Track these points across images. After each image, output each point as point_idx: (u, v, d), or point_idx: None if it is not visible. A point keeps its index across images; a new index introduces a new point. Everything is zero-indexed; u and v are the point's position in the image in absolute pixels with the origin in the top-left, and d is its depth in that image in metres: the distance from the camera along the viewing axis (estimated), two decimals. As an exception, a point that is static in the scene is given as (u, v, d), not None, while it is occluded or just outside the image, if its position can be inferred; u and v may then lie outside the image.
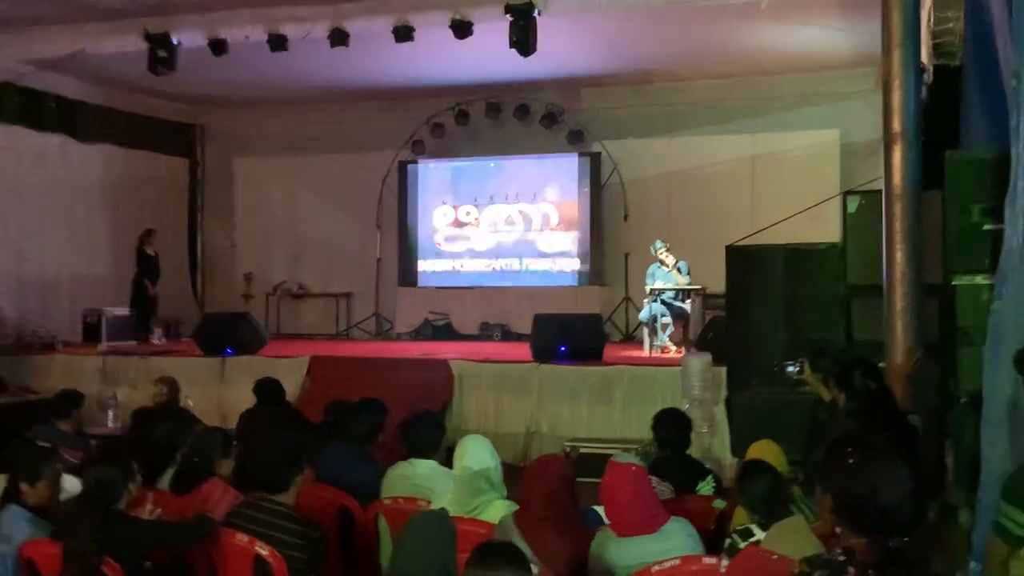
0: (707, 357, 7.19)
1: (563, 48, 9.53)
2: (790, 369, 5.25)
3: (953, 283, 4.87)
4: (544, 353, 8.13)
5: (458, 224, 11.97)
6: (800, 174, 10.54)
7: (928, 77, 6.68)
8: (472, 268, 11.85)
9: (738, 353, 6.86)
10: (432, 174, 12.13)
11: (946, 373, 5.05)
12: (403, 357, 9.03)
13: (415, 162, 12.14)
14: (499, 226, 11.81)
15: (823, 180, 9.99)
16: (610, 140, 11.44)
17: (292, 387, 8.02)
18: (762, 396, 6.51)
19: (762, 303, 6.74)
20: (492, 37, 8.04)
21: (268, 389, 6.09)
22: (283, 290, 12.52)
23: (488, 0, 7.93)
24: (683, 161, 11.27)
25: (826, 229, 7.59)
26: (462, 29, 8.09)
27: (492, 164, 11.91)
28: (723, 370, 7.05)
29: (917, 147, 5.21)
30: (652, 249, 9.30)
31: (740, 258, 6.91)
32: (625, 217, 11.47)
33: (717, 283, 8.01)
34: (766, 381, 6.51)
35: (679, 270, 9.15)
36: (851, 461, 2.00)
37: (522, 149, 11.64)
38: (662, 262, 9.24)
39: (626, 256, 11.27)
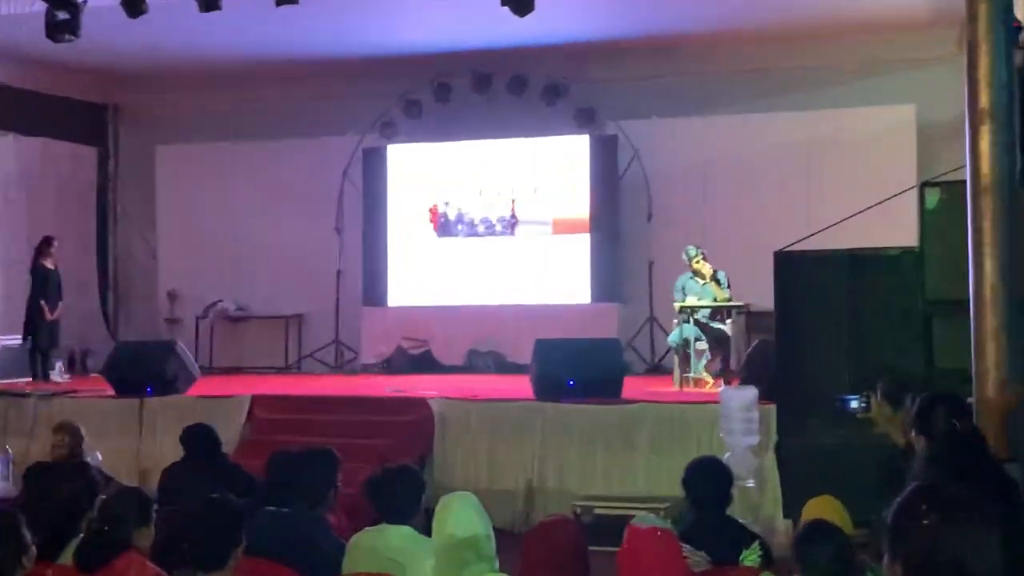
0: (752, 392, 7.20)
1: (569, 6, 9.58)
2: (854, 405, 5.26)
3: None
4: (548, 389, 8.14)
5: (439, 226, 12.01)
6: (867, 161, 10.60)
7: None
8: (457, 282, 11.89)
9: (791, 387, 6.88)
10: (406, 163, 12.16)
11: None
12: (370, 395, 9.06)
13: (384, 149, 12.19)
14: (490, 228, 11.86)
15: (896, 169, 10.04)
16: (628, 120, 11.50)
17: (229, 435, 7.97)
18: (821, 441, 6.52)
19: (820, 323, 6.78)
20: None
21: (199, 438, 6.08)
22: (217, 312, 12.49)
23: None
24: (721, 146, 11.32)
25: (900, 230, 7.64)
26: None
27: (481, 150, 11.96)
28: (772, 408, 7.07)
29: (1010, 128, 5.23)
30: (684, 256, 9.36)
31: (792, 267, 6.94)
32: (649, 217, 11.52)
33: (764, 299, 8.02)
34: (827, 422, 6.51)
35: (717, 282, 9.20)
36: (929, 521, 1.98)
37: (518, 131, 11.69)
38: (696, 272, 9.29)
39: (650, 265, 11.31)
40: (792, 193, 10.89)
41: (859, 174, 10.40)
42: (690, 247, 9.38)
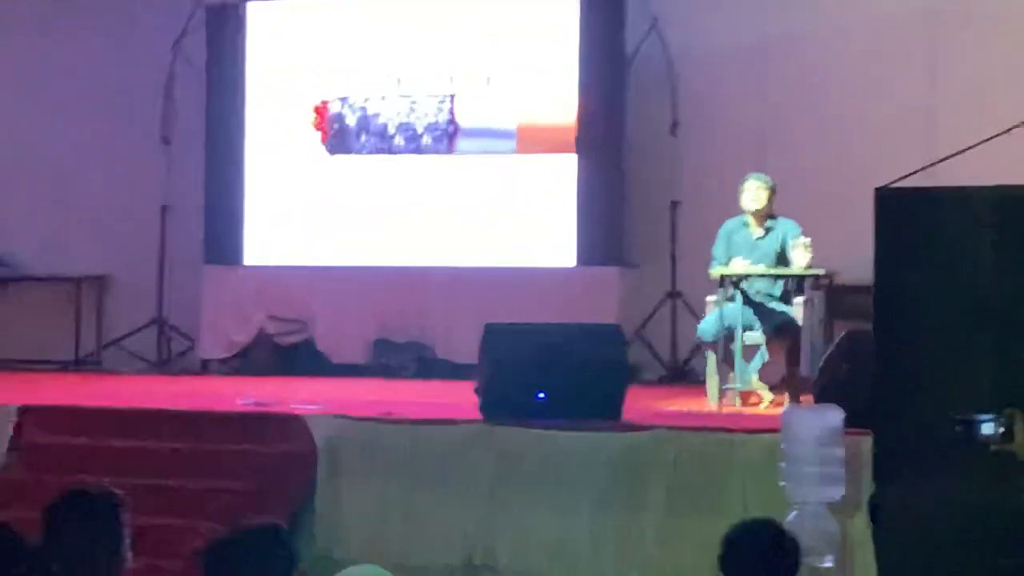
0: (835, 416, 7.23)
1: None
2: (986, 431, 5.28)
3: None
4: (503, 404, 8.14)
5: (331, 136, 11.96)
6: (1021, 46, 10.66)
7: None
8: (358, 229, 11.86)
9: (897, 407, 6.90)
10: (277, 32, 12.09)
11: None
12: (213, 410, 9.01)
13: (242, 7, 12.10)
14: (414, 141, 11.83)
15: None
16: (643, -31, 11.48)
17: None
18: (945, 494, 6.56)
19: (948, 305, 6.79)
20: None
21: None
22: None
23: None
24: (790, 15, 11.31)
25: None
26: None
27: (400, 11, 11.88)
28: (867, 441, 7.10)
29: None
30: (741, 190, 9.35)
31: (905, 214, 6.93)
32: (673, 127, 11.51)
33: (857, 266, 8.06)
34: (953, 463, 6.56)
35: (786, 237, 9.21)
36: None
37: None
38: (753, 215, 9.29)
39: (673, 207, 11.34)
40: (903, 96, 10.93)
41: (1009, 66, 10.46)
42: (752, 176, 9.37)
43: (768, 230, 9.32)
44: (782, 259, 9.22)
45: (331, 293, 11.75)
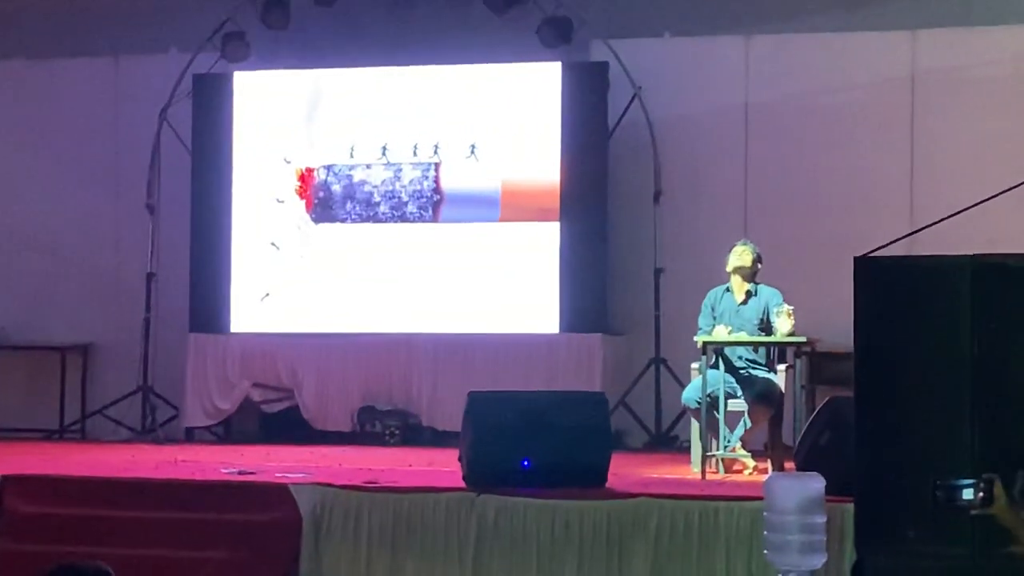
0: (816, 483, 7.20)
1: None
2: (967, 496, 5.27)
3: None
4: (488, 472, 8.14)
5: (316, 204, 12.00)
6: (1006, 110, 10.72)
7: None
8: (343, 297, 11.88)
9: (879, 473, 6.89)
10: (264, 100, 12.14)
11: None
12: (198, 480, 8.97)
13: (228, 76, 12.15)
14: (399, 209, 11.88)
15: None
16: (626, 39, 11.54)
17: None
18: (926, 559, 6.55)
19: (926, 369, 6.81)
20: None
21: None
22: (-51, 339, 12.47)
23: None
24: (772, 83, 11.40)
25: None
26: None
27: (386, 83, 11.95)
28: (848, 509, 7.09)
29: None
30: (732, 257, 9.33)
31: (884, 281, 6.95)
32: (656, 195, 11.55)
33: (837, 333, 8.08)
34: (939, 530, 6.56)
35: (769, 305, 9.24)
36: None
37: (448, 53, 11.70)
38: (736, 272, 9.30)
39: (657, 274, 11.36)
40: (888, 160, 11.00)
41: (993, 131, 10.54)
42: (740, 242, 9.40)
43: (750, 295, 9.33)
44: (765, 326, 9.23)
45: (316, 361, 11.75)
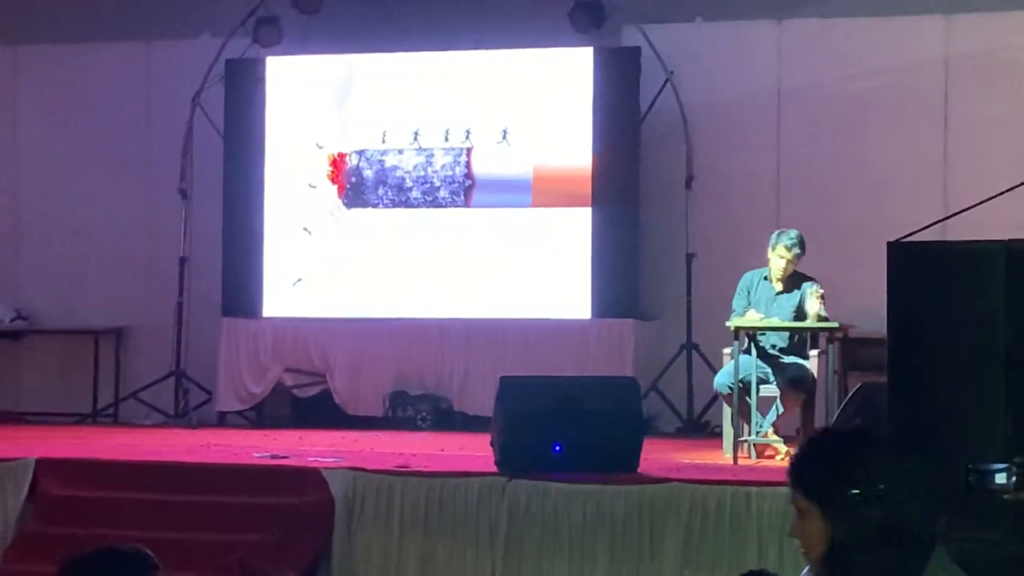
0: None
1: None
2: (1000, 480, 5.26)
3: None
4: (519, 456, 8.16)
5: (348, 189, 12.01)
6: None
7: None
8: (375, 282, 11.90)
9: (914, 459, 6.88)
10: (296, 86, 12.16)
11: None
12: (230, 463, 9.03)
13: (261, 61, 12.18)
14: (431, 194, 11.89)
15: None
16: (657, 24, 11.53)
17: (-2, 523, 7.97)
18: (959, 543, 6.52)
19: (961, 356, 6.79)
20: None
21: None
22: (-17, 323, 12.56)
23: None
24: (805, 68, 11.38)
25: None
26: None
27: (418, 68, 11.96)
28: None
29: None
30: (772, 247, 9.28)
31: (918, 267, 6.94)
32: (688, 181, 11.55)
33: (870, 319, 8.04)
34: (976, 514, 6.53)
35: (804, 291, 9.21)
36: None
37: (478, 38, 11.72)
38: (781, 268, 9.25)
39: (688, 259, 11.35)
40: (920, 146, 10.97)
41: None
42: (784, 240, 9.22)
43: (790, 286, 9.31)
44: (800, 314, 9.21)
45: (348, 345, 11.78)
